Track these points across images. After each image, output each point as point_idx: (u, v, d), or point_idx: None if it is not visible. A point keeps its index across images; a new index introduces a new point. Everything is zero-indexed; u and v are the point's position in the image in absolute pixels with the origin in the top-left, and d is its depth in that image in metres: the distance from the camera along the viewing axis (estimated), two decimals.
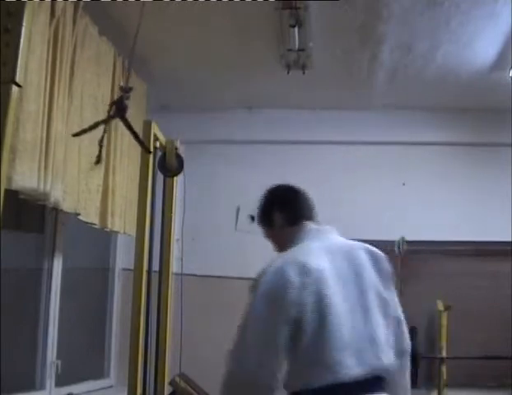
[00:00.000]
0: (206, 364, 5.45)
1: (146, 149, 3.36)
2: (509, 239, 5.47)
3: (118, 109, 3.00)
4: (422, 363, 5.36)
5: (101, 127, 3.61)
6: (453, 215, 5.70)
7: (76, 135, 3.14)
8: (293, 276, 2.34)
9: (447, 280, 5.58)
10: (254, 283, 2.44)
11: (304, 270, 2.36)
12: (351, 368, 2.27)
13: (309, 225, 2.69)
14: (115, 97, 4.44)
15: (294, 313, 2.30)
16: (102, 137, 3.21)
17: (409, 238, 5.65)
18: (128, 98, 3.04)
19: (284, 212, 2.75)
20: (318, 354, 2.28)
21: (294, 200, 2.80)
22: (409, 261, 5.63)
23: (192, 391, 4.58)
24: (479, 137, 5.74)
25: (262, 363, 2.31)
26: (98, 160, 3.34)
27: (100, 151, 3.26)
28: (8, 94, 2.25)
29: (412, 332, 5.30)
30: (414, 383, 5.20)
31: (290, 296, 2.31)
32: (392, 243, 5.64)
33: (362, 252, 2.61)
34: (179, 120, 5.58)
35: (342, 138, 5.84)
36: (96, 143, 4.17)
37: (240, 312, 5.77)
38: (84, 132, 3.15)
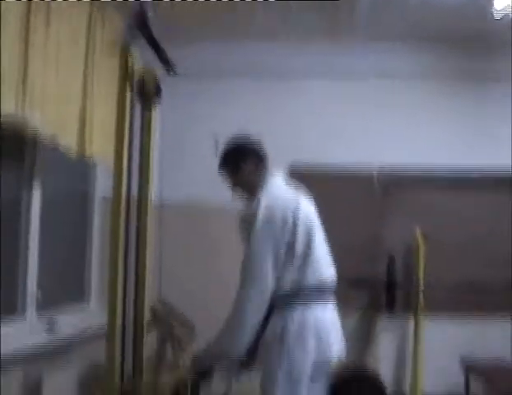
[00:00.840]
0: (185, 290, 5.55)
1: (169, 67, 3.42)
2: (489, 168, 5.53)
3: (137, 18, 2.97)
4: (399, 292, 5.45)
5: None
6: (433, 143, 5.75)
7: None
8: (285, 210, 2.96)
9: (425, 209, 5.64)
10: (247, 220, 2.99)
11: (291, 205, 2.99)
12: (327, 273, 3.07)
13: (271, 173, 3.23)
14: (92, 27, 4.38)
15: (288, 239, 2.93)
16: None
17: (388, 166, 5.69)
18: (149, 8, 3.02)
19: (251, 160, 3.24)
20: (308, 263, 2.96)
21: (257, 150, 3.29)
22: (388, 189, 5.68)
23: (171, 316, 4.64)
24: (462, 62, 5.74)
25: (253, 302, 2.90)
26: None
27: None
28: None
29: (390, 260, 5.40)
30: (391, 312, 5.37)
31: (285, 228, 2.91)
32: (370, 170, 5.68)
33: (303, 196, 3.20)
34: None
35: (323, 69, 5.80)
36: (74, 70, 4.14)
37: (217, 241, 5.85)
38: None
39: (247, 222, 2.99)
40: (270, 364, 2.92)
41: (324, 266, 3.07)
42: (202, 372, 3.22)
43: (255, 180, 3.19)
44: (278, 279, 2.93)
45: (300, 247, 2.95)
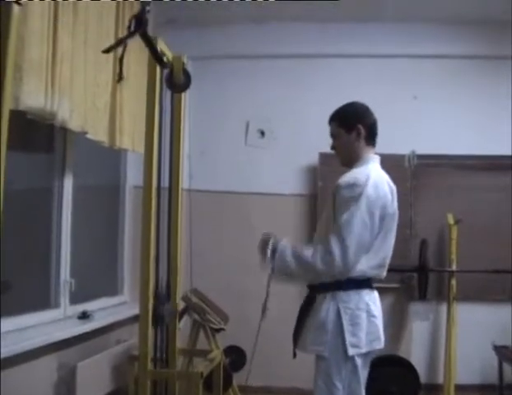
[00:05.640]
0: (216, 279, 5.55)
1: (162, 65, 3.32)
2: None
3: (138, 23, 2.94)
4: (432, 276, 5.40)
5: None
6: (463, 129, 5.66)
7: (105, 52, 3.08)
8: (387, 192, 2.90)
9: (457, 193, 5.58)
10: (349, 188, 2.83)
11: (390, 189, 2.94)
12: (383, 269, 3.00)
13: (373, 151, 3.09)
14: (120, 13, 4.38)
15: (380, 223, 2.85)
16: (122, 54, 3.15)
17: (420, 152, 5.62)
18: (148, 11, 2.97)
19: (367, 129, 3.05)
20: (379, 256, 2.92)
21: (376, 125, 3.12)
22: (419, 175, 5.62)
23: (204, 305, 4.65)
24: (492, 49, 5.60)
25: (352, 262, 2.77)
26: (120, 78, 3.31)
27: (121, 68, 3.22)
28: (9, 12, 2.20)
29: (423, 244, 5.35)
30: (424, 296, 5.31)
31: (384, 209, 2.85)
32: (402, 156, 5.62)
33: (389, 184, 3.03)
34: (187, 35, 5.49)
35: (351, 51, 5.73)
36: (103, 61, 4.14)
37: (249, 226, 5.80)
38: (112, 48, 3.10)
39: (347, 191, 2.84)
40: (324, 342, 2.85)
41: (386, 261, 3.00)
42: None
43: (353, 150, 3.04)
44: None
45: (379, 238, 2.89)
